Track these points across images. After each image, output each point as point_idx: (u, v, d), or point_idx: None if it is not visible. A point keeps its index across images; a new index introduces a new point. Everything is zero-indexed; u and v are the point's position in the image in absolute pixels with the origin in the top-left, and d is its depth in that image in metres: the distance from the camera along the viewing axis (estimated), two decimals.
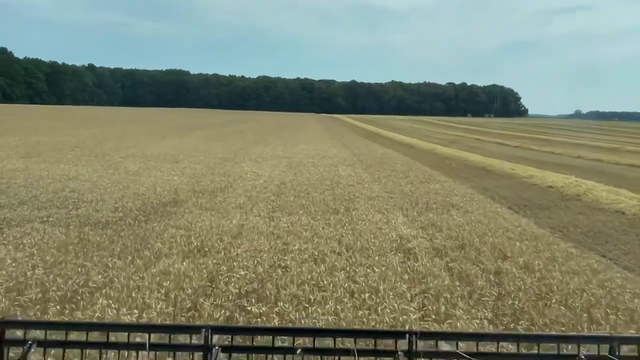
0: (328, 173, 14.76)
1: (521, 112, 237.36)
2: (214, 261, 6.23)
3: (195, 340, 2.45)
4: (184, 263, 6.16)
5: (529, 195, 13.13)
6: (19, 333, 2.42)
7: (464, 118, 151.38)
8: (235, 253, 6.61)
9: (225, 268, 6.01)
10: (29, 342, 2.35)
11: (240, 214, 8.96)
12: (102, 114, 72.88)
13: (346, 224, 8.34)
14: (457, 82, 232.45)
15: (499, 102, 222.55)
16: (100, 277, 5.69)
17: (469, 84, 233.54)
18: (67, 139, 25.52)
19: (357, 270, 6.02)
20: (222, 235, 7.51)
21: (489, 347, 2.59)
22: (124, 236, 7.46)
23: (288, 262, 6.25)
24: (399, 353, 2.43)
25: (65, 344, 2.46)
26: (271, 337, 2.52)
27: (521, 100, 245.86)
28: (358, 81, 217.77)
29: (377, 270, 6.00)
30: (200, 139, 28.54)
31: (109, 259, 6.29)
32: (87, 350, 2.50)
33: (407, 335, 2.48)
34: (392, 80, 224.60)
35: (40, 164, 15.07)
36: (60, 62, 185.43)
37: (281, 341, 2.62)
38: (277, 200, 10.41)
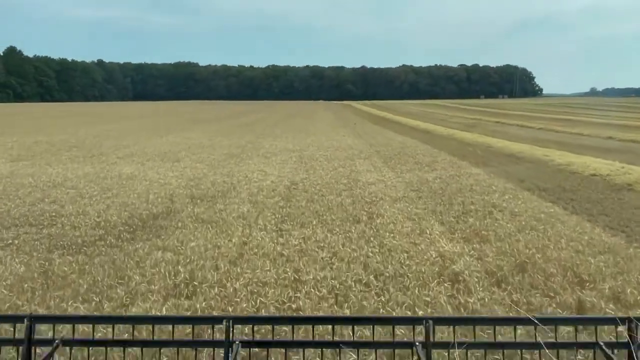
0: (344, 169, 13.18)
1: (536, 92, 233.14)
2: (204, 304, 4.73)
3: (217, 331, 2.61)
4: (164, 307, 4.68)
5: (572, 186, 11.48)
6: (45, 329, 2.47)
7: (478, 100, 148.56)
8: (232, 288, 5.11)
9: (217, 314, 4.52)
10: (56, 341, 2.37)
11: (243, 227, 7.45)
12: (109, 109, 71.86)
13: (371, 238, 6.78)
14: (469, 63, 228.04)
15: (514, 83, 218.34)
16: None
17: (481, 65, 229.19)
18: (67, 138, 24.22)
19: (393, 312, 4.49)
20: (218, 259, 6.01)
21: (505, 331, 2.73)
22: (97, 264, 6.00)
23: (300, 302, 4.73)
24: (417, 344, 2.35)
25: (90, 343, 2.48)
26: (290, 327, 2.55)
27: (535, 80, 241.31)
28: (368, 66, 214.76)
29: (420, 312, 4.46)
30: (206, 133, 27.07)
31: (69, 303, 4.83)
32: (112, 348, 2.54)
33: (423, 322, 2.46)
34: (403, 65, 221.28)
35: (28, 169, 13.71)
36: (69, 59, 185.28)
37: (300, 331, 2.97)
38: (287, 206, 8.87)
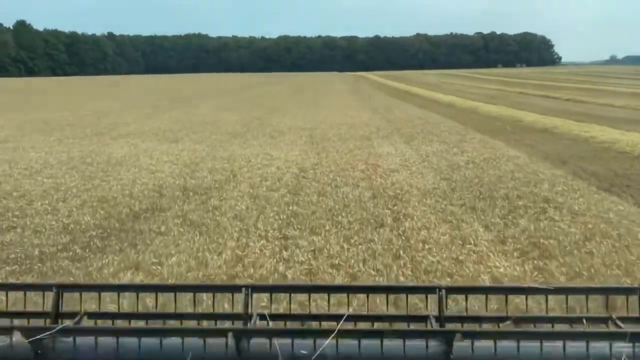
0: (360, 151, 11.59)
1: (554, 60, 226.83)
2: None
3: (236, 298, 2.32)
4: None
5: (625, 169, 9.84)
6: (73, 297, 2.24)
7: (495, 69, 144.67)
8: None
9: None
10: (79, 315, 2.23)
11: (239, 234, 5.99)
12: (117, 83, 70.42)
13: (400, 252, 5.28)
14: (486, 31, 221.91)
15: (533, 51, 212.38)
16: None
17: (498, 33, 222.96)
18: (65, 115, 22.86)
19: None
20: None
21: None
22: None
23: None
24: (431, 317, 2.19)
25: (114, 315, 2.39)
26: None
27: (554, 48, 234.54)
28: (381, 36, 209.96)
29: None
30: (212, 108, 25.51)
31: None
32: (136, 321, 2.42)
33: (437, 290, 2.24)
34: (417, 34, 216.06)
35: (8, 153, 12.35)
36: (79, 32, 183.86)
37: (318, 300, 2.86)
38: (294, 202, 7.37)
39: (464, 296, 2.49)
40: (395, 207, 6.90)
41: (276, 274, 4.82)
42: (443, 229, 5.98)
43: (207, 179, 9.03)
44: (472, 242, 5.51)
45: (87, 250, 5.75)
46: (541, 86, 48.30)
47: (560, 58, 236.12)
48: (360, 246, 5.47)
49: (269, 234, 5.95)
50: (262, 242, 5.71)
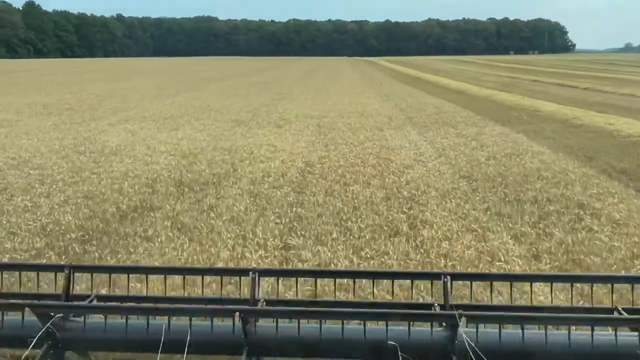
0: (372, 143, 10.79)
1: (568, 47, 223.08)
2: None
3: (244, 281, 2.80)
4: None
5: None
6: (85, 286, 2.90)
7: (508, 56, 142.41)
8: None
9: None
10: (90, 297, 2.63)
11: (234, 242, 5.26)
12: (125, 66, 69.64)
13: (419, 268, 4.56)
14: (499, 17, 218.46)
15: (544, 37, 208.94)
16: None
17: (511, 19, 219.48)
18: (67, 98, 22.20)
19: None
20: None
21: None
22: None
23: None
24: (436, 305, 2.51)
25: (124, 299, 2.77)
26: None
27: (568, 35, 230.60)
28: (392, 20, 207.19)
29: None
30: (217, 93, 24.73)
31: None
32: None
33: (441, 277, 2.63)
34: (429, 18, 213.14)
35: None
36: (88, 13, 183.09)
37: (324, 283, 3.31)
38: (298, 202, 6.64)
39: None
40: (411, 211, 6.14)
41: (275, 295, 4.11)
42: (467, 240, 5.23)
43: (204, 173, 8.30)
44: (502, 259, 4.76)
45: (63, 257, 5.07)
46: (556, 74, 46.89)
47: (574, 45, 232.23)
48: (372, 261, 4.74)
49: (269, 243, 5.23)
50: (260, 252, 4.99)
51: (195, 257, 4.90)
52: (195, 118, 15.28)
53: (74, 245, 5.37)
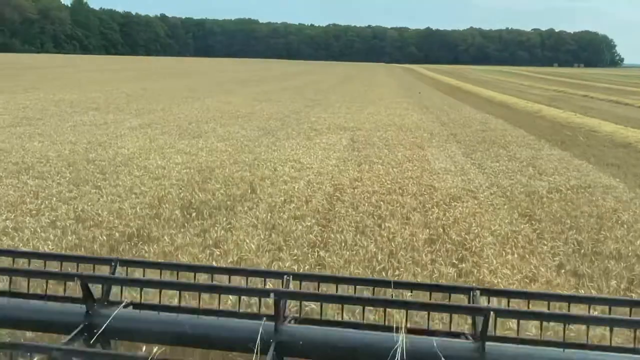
0: (411, 163, 9.51)
1: (616, 61, 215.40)
2: None
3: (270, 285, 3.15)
4: None
5: None
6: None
7: (551, 68, 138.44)
8: None
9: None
10: (125, 302, 2.73)
11: (235, 298, 4.14)
12: (163, 65, 70.16)
13: None
14: (544, 28, 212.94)
15: (591, 50, 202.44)
16: None
17: (557, 30, 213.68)
18: (97, 96, 21.71)
19: None
20: None
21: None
22: None
23: None
24: (468, 335, 2.52)
25: (160, 308, 2.82)
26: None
27: (616, 48, 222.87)
28: (433, 28, 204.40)
29: None
30: (250, 97, 23.82)
31: None
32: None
33: (470, 292, 2.62)
34: (471, 27, 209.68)
35: (9, 141, 10.93)
36: (133, 12, 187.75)
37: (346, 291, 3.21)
38: (322, 241, 5.44)
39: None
40: (463, 265, 4.86)
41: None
42: None
43: (219, 193, 7.21)
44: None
45: None
46: (607, 89, 44.30)
47: (622, 59, 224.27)
48: None
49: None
50: None
51: None
52: (221, 124, 14.30)
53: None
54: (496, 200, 7.18)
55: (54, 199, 6.82)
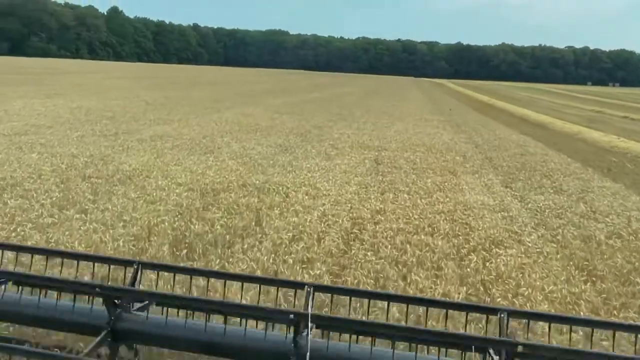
0: (443, 194, 8.34)
1: None
2: None
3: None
4: None
5: None
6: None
7: (586, 87, 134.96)
8: None
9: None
10: (147, 301, 2.74)
11: None
12: (190, 74, 70.41)
13: None
14: (578, 45, 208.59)
15: (628, 69, 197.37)
16: None
17: (592, 48, 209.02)
18: (115, 104, 21.18)
19: None
20: None
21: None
22: None
23: None
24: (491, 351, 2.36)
25: (180, 306, 2.80)
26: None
27: None
28: (464, 43, 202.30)
29: None
30: (272, 109, 22.97)
31: None
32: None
33: (498, 313, 2.57)
34: (503, 43, 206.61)
35: (8, 152, 10.22)
36: (167, 21, 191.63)
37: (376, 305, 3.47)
38: (331, 297, 4.40)
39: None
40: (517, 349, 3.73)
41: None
42: None
43: (218, 225, 6.22)
44: None
45: None
46: None
47: None
48: None
49: None
50: None
51: None
52: (237, 139, 13.40)
53: None
54: (546, 247, 5.98)
55: (29, 225, 5.93)
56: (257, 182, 8.54)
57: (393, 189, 8.46)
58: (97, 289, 2.67)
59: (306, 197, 7.62)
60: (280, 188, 8.12)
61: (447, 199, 7.85)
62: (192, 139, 13.01)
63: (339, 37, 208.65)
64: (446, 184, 8.98)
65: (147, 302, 2.82)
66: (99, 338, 2.58)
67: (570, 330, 2.89)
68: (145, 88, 34.27)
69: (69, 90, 27.91)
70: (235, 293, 3.57)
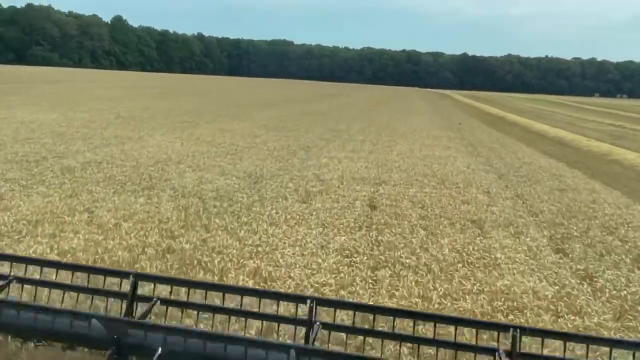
0: (469, 270, 5.40)
1: None
2: None
3: (300, 311, 2.84)
4: None
5: None
6: (147, 289, 2.95)
7: (594, 98, 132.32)
8: None
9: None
10: (154, 299, 2.81)
11: None
12: (188, 83, 67.95)
13: None
14: (585, 57, 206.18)
15: (635, 81, 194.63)
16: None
17: (599, 59, 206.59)
18: (77, 117, 18.47)
19: None
20: None
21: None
22: None
23: None
24: (501, 352, 2.31)
25: (185, 305, 2.93)
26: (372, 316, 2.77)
27: None
28: (470, 54, 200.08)
29: None
30: (258, 123, 20.08)
31: None
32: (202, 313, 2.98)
33: (510, 330, 2.45)
34: (509, 54, 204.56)
35: None
36: (171, 30, 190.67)
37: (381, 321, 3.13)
38: None
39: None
40: None
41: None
42: None
43: None
44: None
45: None
46: None
47: None
48: None
49: None
50: None
51: None
52: (197, 166, 10.54)
53: None
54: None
55: None
56: (188, 247, 5.65)
57: (392, 260, 5.52)
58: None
59: (250, 283, 4.71)
60: (218, 262, 5.21)
61: (476, 285, 4.91)
62: (137, 165, 10.17)
63: (343, 47, 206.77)
64: (472, 249, 6.00)
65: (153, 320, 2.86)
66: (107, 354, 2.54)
67: (587, 349, 2.68)
68: (131, 97, 31.62)
69: (41, 101, 25.23)
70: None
